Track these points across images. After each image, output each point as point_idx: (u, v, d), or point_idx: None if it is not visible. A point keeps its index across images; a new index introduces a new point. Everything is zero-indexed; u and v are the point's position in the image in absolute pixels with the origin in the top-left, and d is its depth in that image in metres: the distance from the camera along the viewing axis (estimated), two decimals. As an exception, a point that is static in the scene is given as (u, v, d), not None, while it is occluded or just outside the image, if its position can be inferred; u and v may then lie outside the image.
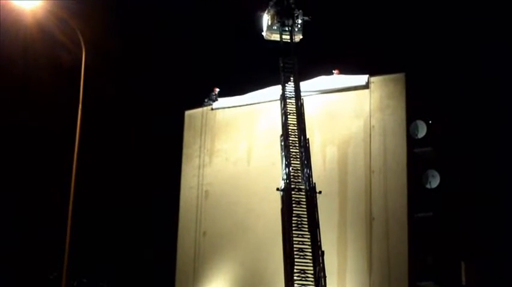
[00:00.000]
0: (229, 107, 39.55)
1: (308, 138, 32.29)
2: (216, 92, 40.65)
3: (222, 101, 40.03)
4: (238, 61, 49.81)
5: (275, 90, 35.97)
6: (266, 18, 37.22)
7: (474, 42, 43.88)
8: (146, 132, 49.10)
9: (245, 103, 39.15)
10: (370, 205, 33.90)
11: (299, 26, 36.94)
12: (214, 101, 40.38)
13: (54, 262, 37.85)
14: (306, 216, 29.20)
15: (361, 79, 36.05)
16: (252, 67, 46.83)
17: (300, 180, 30.52)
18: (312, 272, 27.45)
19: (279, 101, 34.21)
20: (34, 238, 44.24)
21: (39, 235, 43.91)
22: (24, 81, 43.50)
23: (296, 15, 36.58)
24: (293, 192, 29.91)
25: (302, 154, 31.48)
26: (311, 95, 35.96)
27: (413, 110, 34.56)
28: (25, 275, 44.10)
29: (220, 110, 39.83)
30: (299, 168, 31.01)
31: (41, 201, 44.00)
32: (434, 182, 34.58)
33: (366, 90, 35.64)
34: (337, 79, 37.24)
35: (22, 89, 44.13)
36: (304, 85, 35.10)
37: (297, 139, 32.18)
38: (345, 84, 36.47)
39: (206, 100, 40.43)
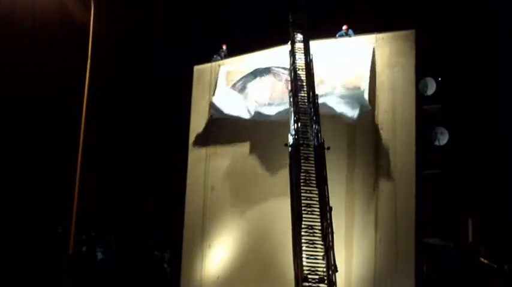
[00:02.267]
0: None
1: (317, 94, 32.26)
2: (224, 49, 40.48)
3: (230, 64, 39.67)
4: (246, 16, 49.51)
5: (283, 52, 35.69)
6: (275, -27, 37.01)
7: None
8: (154, 87, 49.09)
9: (252, 68, 38.72)
10: (378, 162, 33.89)
11: (309, -20, 36.69)
12: (222, 57, 40.22)
13: (62, 216, 38.14)
14: (314, 172, 29.28)
15: (367, 50, 35.60)
16: (260, 22, 46.61)
17: (308, 136, 30.55)
18: (319, 228, 27.58)
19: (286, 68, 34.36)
20: (43, 191, 44.45)
21: (48, 188, 44.11)
22: (33, 42, 43.41)
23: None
24: (301, 148, 29.95)
25: (311, 109, 31.47)
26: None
27: (422, 67, 34.39)
28: (34, 228, 44.37)
29: (228, 65, 39.65)
30: (308, 124, 31.02)
31: (50, 155, 44.12)
32: (443, 139, 34.55)
33: (376, 46, 35.37)
34: (340, 45, 36.74)
35: (30, 50, 44.05)
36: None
37: (305, 95, 32.15)
38: (349, 53, 36.01)
39: (214, 56, 40.30)
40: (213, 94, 38.93)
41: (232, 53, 40.23)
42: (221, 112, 38.24)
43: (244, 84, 38.21)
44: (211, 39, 43.96)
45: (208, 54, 40.56)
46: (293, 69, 33.24)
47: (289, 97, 32.54)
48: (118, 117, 47.67)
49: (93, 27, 34.21)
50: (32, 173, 44.30)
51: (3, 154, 43.83)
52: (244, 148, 37.99)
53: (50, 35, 42.96)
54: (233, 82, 38.75)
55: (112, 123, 46.99)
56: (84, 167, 32.74)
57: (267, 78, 37.61)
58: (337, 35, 36.86)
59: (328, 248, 26.80)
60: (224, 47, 40.55)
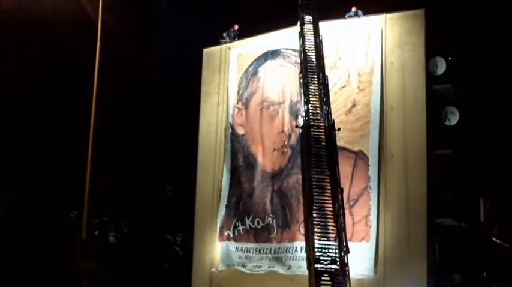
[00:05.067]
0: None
1: (326, 76, 32.17)
2: (236, 29, 40.28)
3: (240, 47, 39.60)
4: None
5: (292, 33, 35.58)
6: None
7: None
8: (164, 70, 49.07)
9: (262, 50, 38.62)
10: (389, 142, 33.79)
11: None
12: (232, 37, 40.05)
13: (75, 201, 38.24)
14: (324, 153, 29.23)
15: (376, 29, 35.45)
16: (269, 4, 46.41)
17: (318, 117, 30.49)
18: (330, 209, 27.55)
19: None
20: (55, 178, 44.55)
21: (60, 174, 44.20)
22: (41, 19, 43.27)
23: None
24: (312, 129, 29.90)
25: (321, 91, 31.40)
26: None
27: (432, 47, 34.24)
28: (46, 214, 44.50)
29: (237, 48, 39.59)
30: (318, 105, 30.96)
31: (61, 140, 44.18)
32: (454, 119, 34.50)
33: (385, 26, 35.20)
34: (349, 26, 36.60)
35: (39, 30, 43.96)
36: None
37: (315, 76, 32.07)
38: (358, 36, 35.86)
39: (224, 35, 40.10)
40: (227, 79, 39.04)
41: (242, 34, 40.10)
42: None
43: (256, 69, 38.32)
44: (219, 21, 43.79)
45: (217, 37, 40.47)
46: (302, 50, 33.14)
47: (299, 79, 32.49)
48: (130, 102, 47.62)
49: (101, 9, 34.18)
50: (44, 159, 44.34)
51: (17, 138, 43.89)
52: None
53: (58, 21, 42.83)
54: (245, 67, 38.75)
55: (124, 108, 46.94)
56: (95, 152, 32.78)
57: (277, 63, 37.67)
58: (346, 16, 36.74)
59: (340, 230, 26.78)
60: (236, 27, 40.31)
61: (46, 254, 42.37)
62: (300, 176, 30.45)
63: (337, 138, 30.90)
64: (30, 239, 42.79)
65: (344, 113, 34.56)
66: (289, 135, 36.10)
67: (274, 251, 35.24)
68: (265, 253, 35.47)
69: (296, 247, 34.07)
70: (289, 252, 34.66)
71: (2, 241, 41.76)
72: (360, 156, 33.99)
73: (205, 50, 40.61)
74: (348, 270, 25.90)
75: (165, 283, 47.48)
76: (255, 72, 38.26)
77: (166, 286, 47.02)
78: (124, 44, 44.13)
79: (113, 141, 44.23)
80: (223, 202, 37.67)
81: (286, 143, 36.32)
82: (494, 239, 40.71)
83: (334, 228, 26.97)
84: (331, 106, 31.62)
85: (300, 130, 30.24)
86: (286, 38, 37.16)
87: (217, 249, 37.12)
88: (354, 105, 34.76)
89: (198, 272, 37.70)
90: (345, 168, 32.96)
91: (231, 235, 36.84)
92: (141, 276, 46.42)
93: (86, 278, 31.71)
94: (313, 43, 33.40)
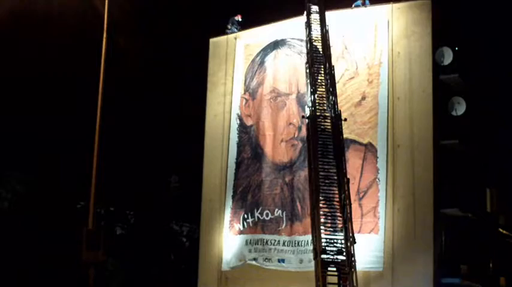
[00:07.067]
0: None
1: (333, 65, 32.09)
2: (239, 19, 40.16)
3: (246, 37, 39.52)
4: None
5: (299, 23, 35.50)
6: None
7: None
8: (170, 60, 49.00)
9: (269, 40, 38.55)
10: (396, 132, 33.73)
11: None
12: (236, 27, 39.95)
13: (81, 192, 38.28)
14: (331, 143, 29.19)
15: (383, 19, 35.32)
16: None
17: (325, 107, 30.43)
18: (337, 199, 27.52)
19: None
20: (62, 168, 44.58)
21: (67, 165, 44.23)
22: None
23: None
24: (318, 119, 29.85)
25: (327, 81, 31.32)
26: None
27: (439, 37, 34.14)
28: (53, 205, 44.53)
29: (244, 38, 39.52)
30: (324, 95, 30.90)
31: (67, 131, 44.19)
32: (460, 109, 34.41)
33: (392, 16, 35.08)
34: (356, 15, 36.48)
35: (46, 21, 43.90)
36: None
37: (322, 66, 32.00)
38: (365, 26, 35.75)
39: (229, 27, 40.03)
40: (233, 69, 38.97)
41: (248, 24, 40.00)
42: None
43: (263, 59, 38.25)
44: (226, 10, 43.65)
45: (223, 26, 40.39)
46: (309, 40, 33.06)
47: (306, 68, 32.42)
48: (137, 93, 47.57)
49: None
50: (51, 149, 44.36)
51: (23, 130, 43.89)
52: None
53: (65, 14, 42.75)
54: (251, 57, 38.67)
55: (131, 99, 46.90)
56: (102, 143, 32.82)
57: (284, 52, 37.57)
58: (353, 6, 36.66)
59: (346, 220, 26.75)
60: (239, 17, 40.18)
61: (53, 244, 42.35)
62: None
63: (347, 131, 30.89)
64: (37, 229, 42.80)
65: (354, 106, 34.54)
66: (299, 128, 35.97)
67: (284, 243, 35.20)
68: (273, 245, 35.42)
69: (307, 241, 33.58)
70: (300, 245, 34.61)
71: (9, 232, 41.80)
72: (369, 148, 33.94)
73: (212, 40, 40.54)
74: (354, 261, 25.88)
75: (171, 273, 47.52)
76: (262, 63, 38.20)
77: (173, 277, 47.05)
78: (130, 36, 44.04)
79: (119, 132, 44.19)
80: (229, 192, 37.66)
81: (295, 135, 36.26)
82: (500, 229, 40.64)
83: (341, 218, 26.97)
84: (340, 98, 31.62)
85: (307, 120, 30.17)
86: (292, 27, 37.09)
87: (227, 244, 37.05)
88: (363, 98, 34.67)
89: (205, 264, 37.69)
90: (355, 161, 33.34)
91: (241, 229, 36.82)
92: (148, 267, 46.45)
93: (92, 269, 31.76)
94: (319, 33, 33.34)
